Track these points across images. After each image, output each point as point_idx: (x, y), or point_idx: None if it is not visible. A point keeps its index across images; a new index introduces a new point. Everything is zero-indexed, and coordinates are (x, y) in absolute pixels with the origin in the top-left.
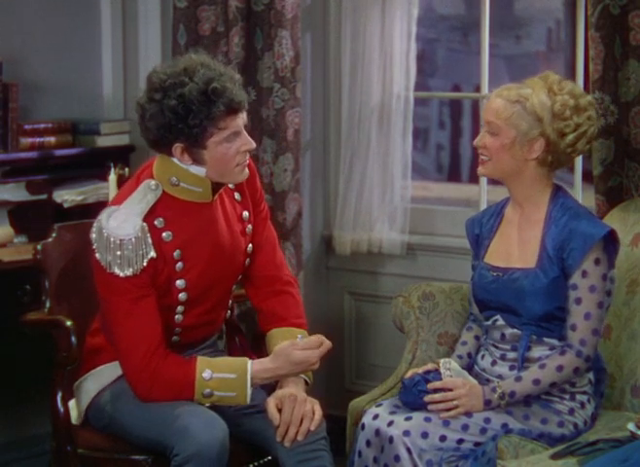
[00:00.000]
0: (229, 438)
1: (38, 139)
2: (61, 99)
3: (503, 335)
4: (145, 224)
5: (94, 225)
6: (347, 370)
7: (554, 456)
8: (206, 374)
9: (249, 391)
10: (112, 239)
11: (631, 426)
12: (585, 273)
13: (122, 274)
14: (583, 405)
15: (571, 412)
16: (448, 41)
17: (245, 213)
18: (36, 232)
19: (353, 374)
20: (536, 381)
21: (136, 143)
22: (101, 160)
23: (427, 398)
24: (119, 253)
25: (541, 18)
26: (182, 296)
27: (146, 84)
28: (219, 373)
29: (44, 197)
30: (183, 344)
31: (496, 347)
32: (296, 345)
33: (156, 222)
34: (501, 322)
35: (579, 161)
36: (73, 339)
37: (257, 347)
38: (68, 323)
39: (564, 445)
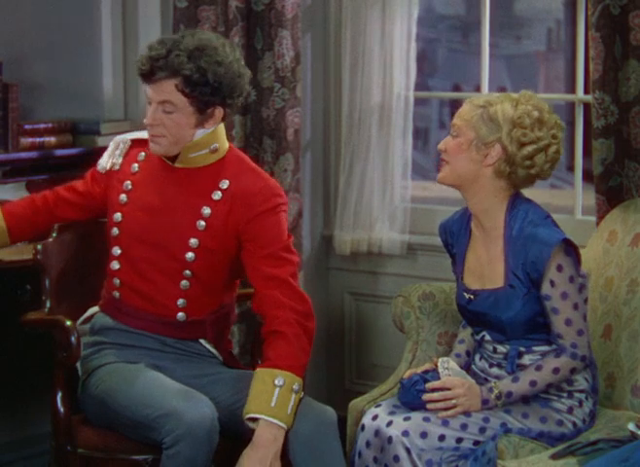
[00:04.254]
0: (217, 417)
1: (38, 139)
2: (61, 99)
3: (494, 348)
4: (129, 142)
5: None
6: (347, 370)
7: (554, 456)
8: None
9: None
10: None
11: (631, 426)
12: (552, 283)
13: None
14: (581, 403)
15: (570, 410)
16: (448, 41)
17: (206, 209)
18: None
19: (353, 374)
20: (532, 383)
21: None
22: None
23: (425, 397)
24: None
25: (541, 18)
26: (115, 230)
27: None
28: None
29: None
30: (132, 313)
31: (490, 357)
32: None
33: (139, 155)
34: (488, 338)
35: (579, 162)
36: (73, 338)
37: (255, 352)
38: (68, 323)
39: (564, 444)
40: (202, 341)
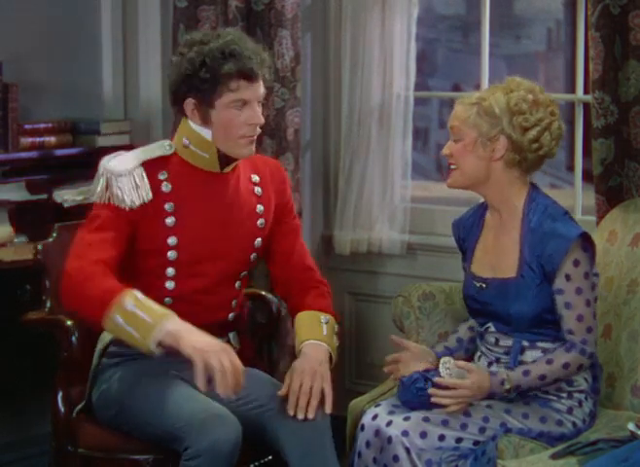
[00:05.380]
0: (241, 437)
1: (38, 139)
2: (61, 99)
3: (497, 340)
4: (142, 169)
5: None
6: (347, 370)
7: (554, 456)
8: (129, 305)
9: (152, 343)
10: (106, 174)
11: (631, 426)
12: (568, 277)
13: (106, 202)
14: (580, 403)
15: (569, 410)
16: (448, 41)
17: (260, 207)
18: (36, 231)
19: (353, 374)
20: (542, 377)
21: (136, 143)
22: (101, 160)
23: (431, 391)
24: (109, 186)
25: (541, 18)
26: (172, 254)
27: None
28: (139, 310)
29: (44, 197)
30: None
31: (490, 351)
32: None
33: (159, 174)
34: (493, 329)
35: (579, 162)
36: (73, 338)
37: (256, 352)
38: (68, 323)
39: (564, 444)
40: (230, 335)
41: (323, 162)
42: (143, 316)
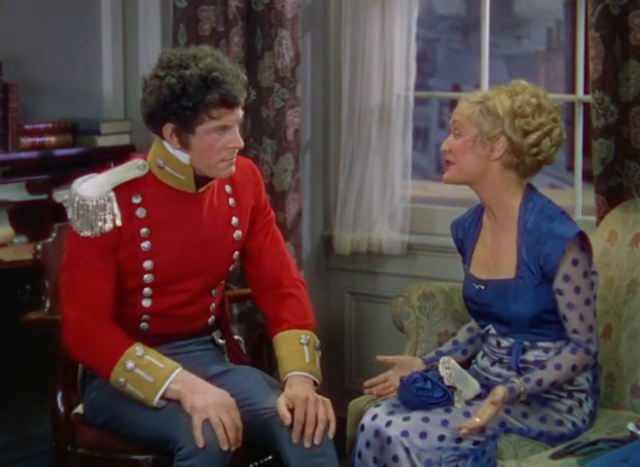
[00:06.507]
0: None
1: (38, 139)
2: (61, 99)
3: (498, 342)
4: (113, 193)
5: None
6: (347, 370)
7: (554, 456)
8: (130, 364)
9: (157, 399)
10: (77, 199)
11: (631, 426)
12: (567, 277)
13: (82, 234)
14: (580, 403)
15: (569, 410)
16: (448, 41)
17: (234, 219)
18: (36, 232)
19: (353, 374)
20: (553, 383)
21: (136, 143)
22: (101, 160)
23: (462, 431)
24: (81, 213)
25: (541, 18)
26: (148, 277)
27: (156, 61)
28: (141, 370)
29: (44, 197)
30: (160, 335)
31: (493, 352)
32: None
33: (134, 197)
34: (493, 331)
35: (579, 162)
36: None
37: (256, 352)
38: None
39: (564, 444)
40: (214, 333)
41: (323, 162)
42: (144, 376)
